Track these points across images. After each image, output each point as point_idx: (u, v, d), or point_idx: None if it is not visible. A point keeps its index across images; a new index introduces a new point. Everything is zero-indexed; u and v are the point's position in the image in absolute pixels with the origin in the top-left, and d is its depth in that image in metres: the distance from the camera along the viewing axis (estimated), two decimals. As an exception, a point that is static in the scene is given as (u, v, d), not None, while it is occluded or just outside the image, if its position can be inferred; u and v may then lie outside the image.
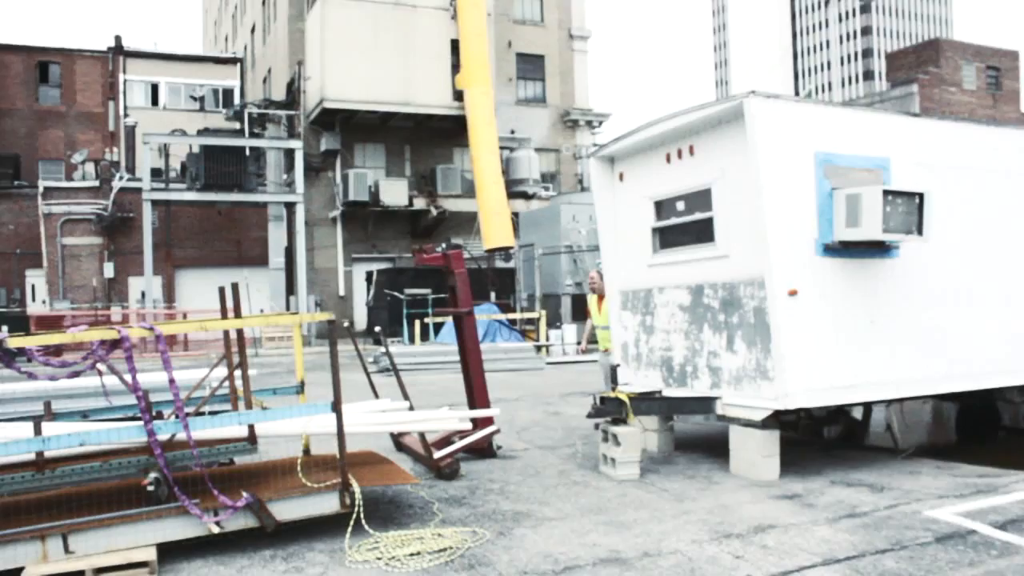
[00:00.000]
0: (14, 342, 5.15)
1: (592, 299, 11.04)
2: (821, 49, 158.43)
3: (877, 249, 7.73)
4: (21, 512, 5.54)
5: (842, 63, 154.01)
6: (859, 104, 40.97)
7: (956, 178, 8.39)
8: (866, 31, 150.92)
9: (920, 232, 7.51)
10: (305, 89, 32.12)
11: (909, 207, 7.47)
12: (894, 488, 7.09)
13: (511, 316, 25.81)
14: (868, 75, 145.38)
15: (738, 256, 7.86)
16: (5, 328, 5.79)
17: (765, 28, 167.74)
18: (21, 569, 4.98)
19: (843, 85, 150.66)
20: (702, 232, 8.34)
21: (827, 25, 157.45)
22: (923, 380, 8.14)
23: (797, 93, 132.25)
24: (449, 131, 33.00)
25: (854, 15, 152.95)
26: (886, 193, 7.33)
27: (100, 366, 5.73)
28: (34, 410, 7.32)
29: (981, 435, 9.63)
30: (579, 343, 11.80)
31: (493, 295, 28.61)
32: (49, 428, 6.09)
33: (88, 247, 32.82)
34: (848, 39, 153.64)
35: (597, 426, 8.35)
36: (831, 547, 5.49)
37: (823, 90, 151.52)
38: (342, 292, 32.81)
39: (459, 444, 8.06)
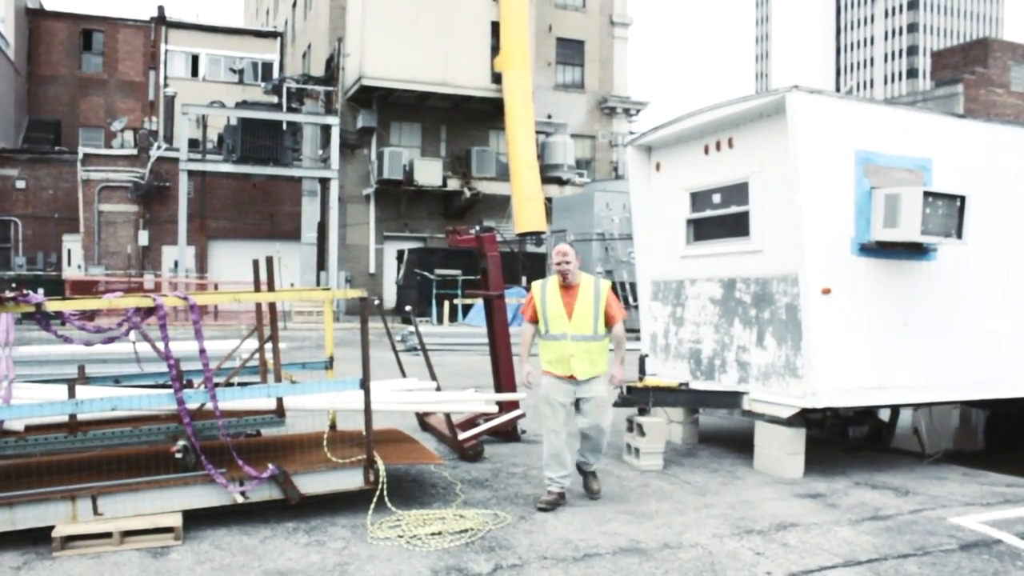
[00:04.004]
0: (52, 306, 5.23)
1: (552, 287, 6.48)
2: (865, 45, 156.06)
3: (914, 251, 7.63)
4: (53, 472, 5.65)
5: (886, 60, 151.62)
6: (902, 103, 40.36)
7: (999, 182, 8.25)
8: (912, 28, 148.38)
9: (960, 236, 7.41)
10: (344, 66, 32.16)
11: (949, 210, 7.36)
12: (919, 493, 7.02)
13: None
14: (912, 73, 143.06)
15: (772, 251, 7.80)
16: (41, 291, 5.89)
17: (808, 22, 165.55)
18: (51, 528, 5.08)
19: (886, 83, 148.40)
20: (737, 226, 8.28)
21: (872, 21, 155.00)
22: (954, 385, 8.04)
23: (838, 89, 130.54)
24: (486, 113, 32.94)
25: (901, 11, 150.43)
26: (926, 194, 7.23)
27: (134, 333, 5.82)
28: (68, 373, 7.43)
29: (1011, 443, 9.51)
30: (526, 372, 6.49)
31: (524, 279, 28.61)
32: (82, 392, 6.20)
33: (124, 214, 33.19)
34: (893, 35, 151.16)
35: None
36: (853, 549, 5.46)
37: (865, 87, 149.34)
38: (372, 270, 32.95)
39: (484, 426, 8.09)
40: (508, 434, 8.65)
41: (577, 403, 6.42)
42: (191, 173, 30.27)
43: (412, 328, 10.88)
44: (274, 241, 31.65)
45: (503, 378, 8.64)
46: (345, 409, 6.54)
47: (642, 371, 9.36)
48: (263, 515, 5.73)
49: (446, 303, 25.54)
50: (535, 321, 6.54)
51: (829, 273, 7.30)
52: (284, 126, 31.03)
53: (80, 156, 33.20)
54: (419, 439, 7.51)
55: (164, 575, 4.71)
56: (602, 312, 6.36)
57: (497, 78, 29.76)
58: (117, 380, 7.33)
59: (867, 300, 7.51)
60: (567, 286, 6.41)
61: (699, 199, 8.83)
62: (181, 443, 5.71)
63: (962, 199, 7.40)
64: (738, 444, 8.77)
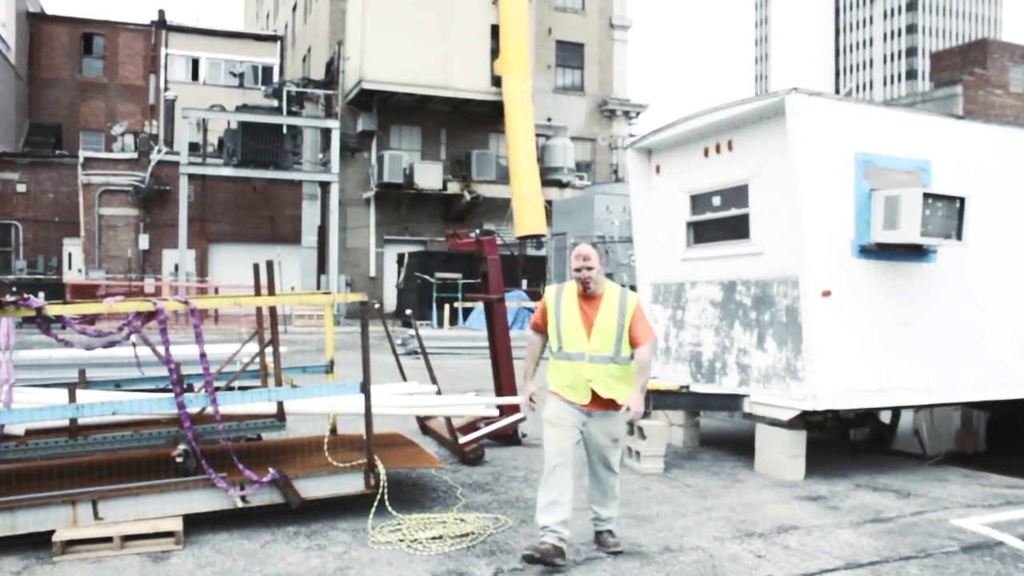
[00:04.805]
0: (53, 310, 5.23)
1: (569, 296, 5.37)
2: (864, 46, 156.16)
3: (914, 252, 7.64)
4: (53, 476, 5.63)
5: (885, 61, 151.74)
6: (901, 104, 40.37)
7: (998, 183, 8.25)
8: (911, 29, 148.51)
9: (959, 237, 7.42)
10: (344, 69, 32.17)
11: (949, 211, 7.37)
12: (920, 495, 7.02)
13: (540, 304, 25.75)
14: (911, 74, 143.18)
15: (772, 254, 7.80)
16: (42, 295, 5.89)
17: (808, 23, 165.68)
18: (52, 532, 5.08)
19: (885, 84, 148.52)
20: (737, 228, 8.29)
21: (871, 22, 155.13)
22: (955, 387, 8.04)
23: (838, 91, 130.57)
24: (486, 116, 32.94)
25: (899, 13, 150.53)
26: (926, 196, 7.24)
27: (134, 337, 5.82)
28: (68, 377, 7.43)
29: (1012, 445, 9.51)
30: (529, 392, 5.43)
31: (524, 283, 28.60)
32: (83, 396, 6.20)
33: (124, 218, 33.21)
34: (892, 37, 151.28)
35: None
36: (854, 551, 5.46)
37: (864, 88, 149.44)
38: (373, 273, 32.94)
39: (485, 430, 8.08)
40: (509, 438, 8.64)
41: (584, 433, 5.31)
42: (191, 177, 30.28)
43: (412, 332, 10.92)
44: (274, 245, 31.68)
45: (503, 381, 8.63)
46: (346, 413, 6.54)
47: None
48: (264, 519, 5.72)
49: (446, 307, 25.55)
50: (545, 333, 5.47)
51: (829, 275, 7.30)
52: (284, 130, 31.04)
53: (81, 160, 33.22)
54: (420, 443, 7.51)
55: (165, 580, 4.71)
56: (627, 330, 5.25)
57: (497, 81, 29.79)
58: (118, 384, 7.33)
59: (867, 302, 7.51)
60: (588, 296, 5.32)
61: (699, 202, 8.83)
62: (182, 447, 5.71)
63: (962, 200, 7.40)
64: (739, 447, 8.76)
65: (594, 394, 5.21)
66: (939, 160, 7.86)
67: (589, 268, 5.22)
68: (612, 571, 4.98)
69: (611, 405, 5.23)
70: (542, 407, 5.39)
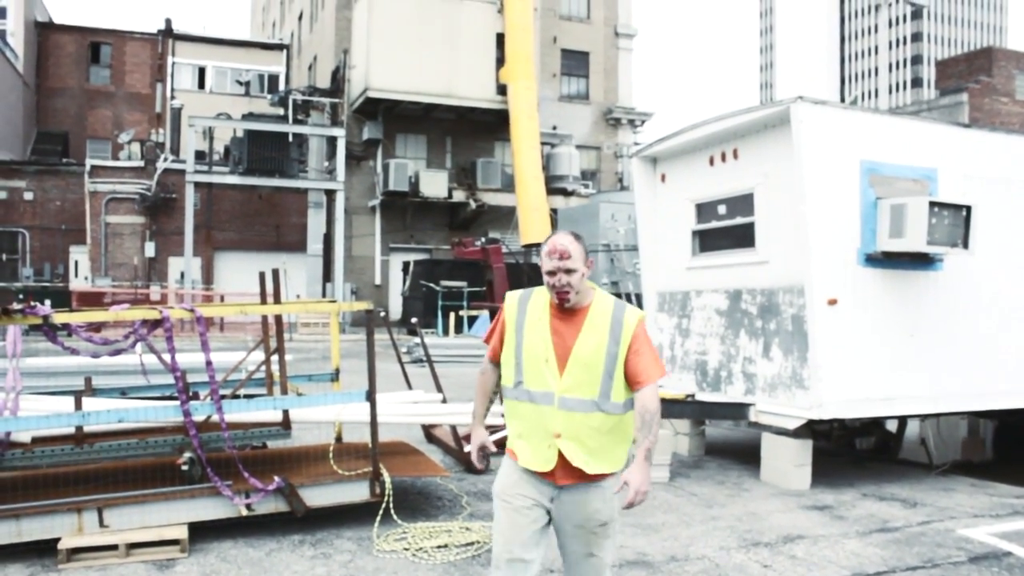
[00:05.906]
0: (59, 318, 5.24)
1: (537, 307, 3.54)
2: (869, 54, 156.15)
3: (920, 261, 7.62)
4: (59, 484, 5.65)
5: (890, 69, 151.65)
6: (906, 112, 40.34)
7: (1004, 191, 8.24)
8: (916, 37, 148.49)
9: (966, 245, 7.41)
10: (350, 78, 32.27)
11: (955, 219, 7.36)
12: (927, 504, 6.99)
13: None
14: (916, 82, 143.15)
15: (778, 262, 7.79)
16: (48, 302, 5.90)
17: (813, 31, 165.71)
18: (57, 540, 5.08)
19: (890, 92, 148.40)
20: (742, 237, 8.28)
21: (876, 30, 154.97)
22: (961, 396, 8.02)
23: (843, 99, 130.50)
24: (491, 125, 32.97)
25: (904, 21, 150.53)
26: (932, 204, 7.23)
27: (140, 345, 5.83)
28: (75, 385, 7.44)
29: (1019, 454, 9.47)
30: (479, 444, 4.18)
31: (529, 291, 28.55)
32: (89, 404, 6.21)
33: (131, 226, 33.26)
34: (897, 45, 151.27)
35: None
36: (861, 561, 5.44)
37: (870, 96, 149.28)
38: (378, 281, 32.96)
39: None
40: (514, 446, 8.62)
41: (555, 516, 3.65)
42: (197, 185, 30.38)
43: (418, 340, 10.93)
44: (280, 253, 31.69)
45: (509, 389, 8.61)
46: (351, 421, 6.53)
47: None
48: (269, 528, 5.72)
49: (452, 315, 25.53)
50: (500, 361, 3.71)
51: (835, 284, 7.29)
52: (290, 138, 31.12)
53: (87, 168, 33.29)
54: (425, 451, 7.50)
55: (170, 588, 4.71)
56: (621, 363, 3.44)
57: (502, 89, 29.92)
58: (124, 392, 7.35)
59: (873, 311, 7.49)
60: (565, 311, 3.49)
61: (704, 210, 8.83)
62: (187, 455, 5.71)
63: (968, 209, 7.39)
64: (745, 456, 8.74)
65: (562, 458, 3.47)
66: (945, 168, 7.85)
67: (568, 271, 3.39)
68: (618, 580, 4.97)
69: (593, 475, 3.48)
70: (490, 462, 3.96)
